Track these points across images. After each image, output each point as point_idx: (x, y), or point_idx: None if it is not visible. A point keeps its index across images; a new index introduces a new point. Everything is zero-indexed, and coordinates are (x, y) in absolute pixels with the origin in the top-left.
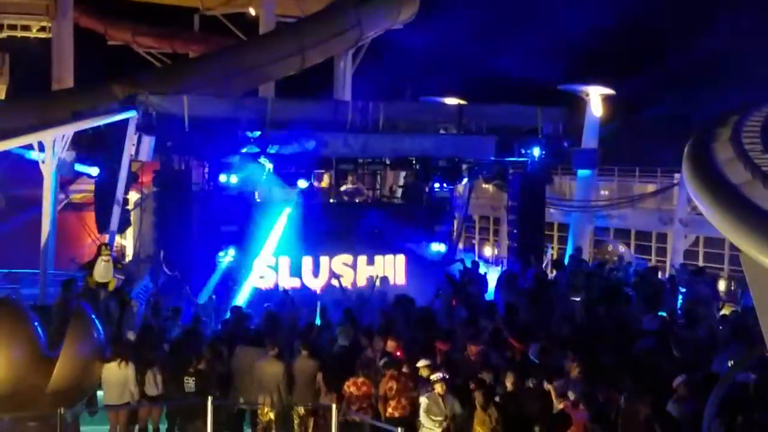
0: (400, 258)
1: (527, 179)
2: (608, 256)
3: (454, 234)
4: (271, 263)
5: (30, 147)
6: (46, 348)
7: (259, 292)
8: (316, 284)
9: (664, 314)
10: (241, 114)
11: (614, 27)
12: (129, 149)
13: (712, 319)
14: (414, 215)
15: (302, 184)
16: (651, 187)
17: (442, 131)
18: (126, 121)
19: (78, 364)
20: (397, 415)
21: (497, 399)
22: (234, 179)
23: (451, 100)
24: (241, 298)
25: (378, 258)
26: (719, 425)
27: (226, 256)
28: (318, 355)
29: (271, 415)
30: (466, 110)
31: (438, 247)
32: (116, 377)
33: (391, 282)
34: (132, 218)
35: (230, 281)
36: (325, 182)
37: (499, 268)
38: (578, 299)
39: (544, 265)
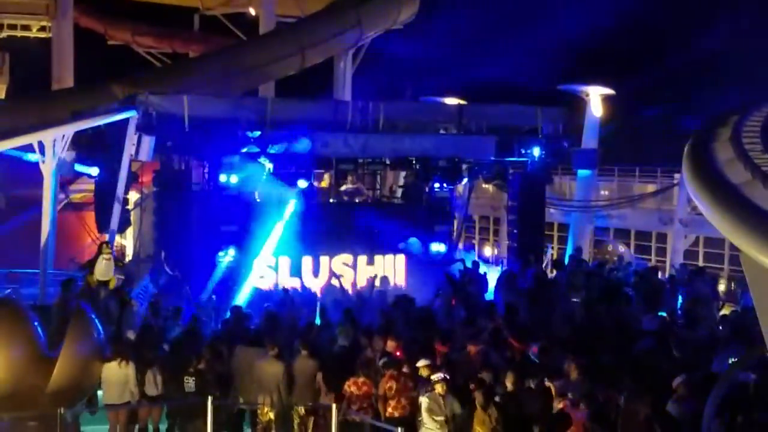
0: (400, 258)
1: (527, 179)
2: (608, 256)
3: (454, 234)
4: (271, 263)
5: (28, 149)
6: (45, 348)
7: (259, 292)
8: (316, 284)
9: (664, 314)
10: (241, 114)
11: (614, 27)
12: (129, 149)
13: (712, 319)
14: (414, 215)
15: (302, 184)
16: (651, 187)
17: (442, 131)
18: (126, 121)
19: (78, 364)
20: (396, 414)
21: (497, 399)
22: (234, 179)
23: (451, 100)
24: (241, 298)
25: (378, 258)
26: (719, 425)
27: (226, 256)
28: (318, 354)
29: (271, 415)
30: (466, 110)
31: (438, 247)
32: (116, 377)
33: (391, 282)
34: (132, 218)
35: (230, 281)
36: (325, 182)
37: (499, 268)
38: (578, 299)
39: (543, 265)
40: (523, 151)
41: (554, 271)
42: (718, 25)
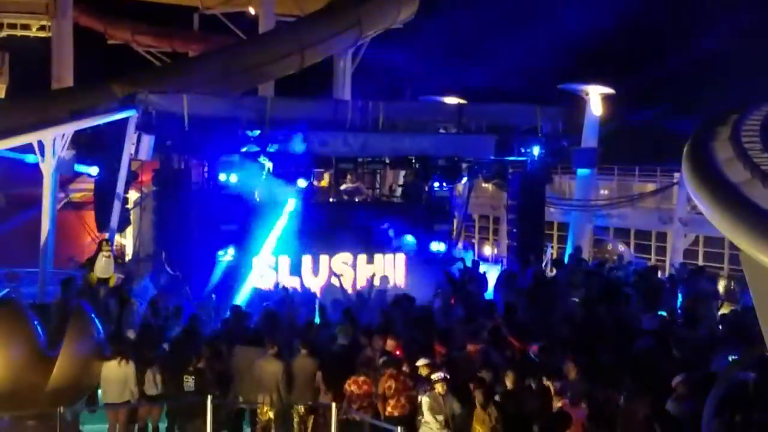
0: (400, 257)
1: (527, 178)
2: (608, 255)
3: (454, 233)
4: (270, 262)
5: (28, 151)
6: (45, 347)
7: (258, 291)
8: (315, 283)
9: (664, 313)
10: (241, 113)
11: (614, 27)
12: (129, 148)
13: (712, 318)
14: (414, 214)
15: (302, 183)
16: (651, 187)
17: (441, 130)
18: (126, 120)
19: (77, 363)
20: (396, 413)
21: (497, 398)
22: (234, 178)
23: (451, 99)
24: (241, 297)
25: (377, 257)
26: (718, 424)
27: (226, 255)
28: (317, 354)
29: (271, 414)
30: (465, 109)
31: (438, 246)
32: (116, 375)
33: (391, 281)
34: (132, 217)
35: (230, 280)
36: (325, 181)
37: (498, 267)
38: (577, 299)
39: (543, 264)
40: (523, 151)
41: (554, 271)
42: (718, 25)
